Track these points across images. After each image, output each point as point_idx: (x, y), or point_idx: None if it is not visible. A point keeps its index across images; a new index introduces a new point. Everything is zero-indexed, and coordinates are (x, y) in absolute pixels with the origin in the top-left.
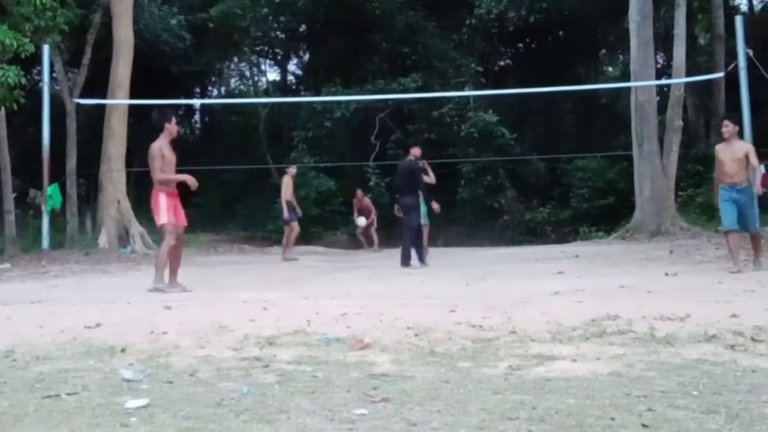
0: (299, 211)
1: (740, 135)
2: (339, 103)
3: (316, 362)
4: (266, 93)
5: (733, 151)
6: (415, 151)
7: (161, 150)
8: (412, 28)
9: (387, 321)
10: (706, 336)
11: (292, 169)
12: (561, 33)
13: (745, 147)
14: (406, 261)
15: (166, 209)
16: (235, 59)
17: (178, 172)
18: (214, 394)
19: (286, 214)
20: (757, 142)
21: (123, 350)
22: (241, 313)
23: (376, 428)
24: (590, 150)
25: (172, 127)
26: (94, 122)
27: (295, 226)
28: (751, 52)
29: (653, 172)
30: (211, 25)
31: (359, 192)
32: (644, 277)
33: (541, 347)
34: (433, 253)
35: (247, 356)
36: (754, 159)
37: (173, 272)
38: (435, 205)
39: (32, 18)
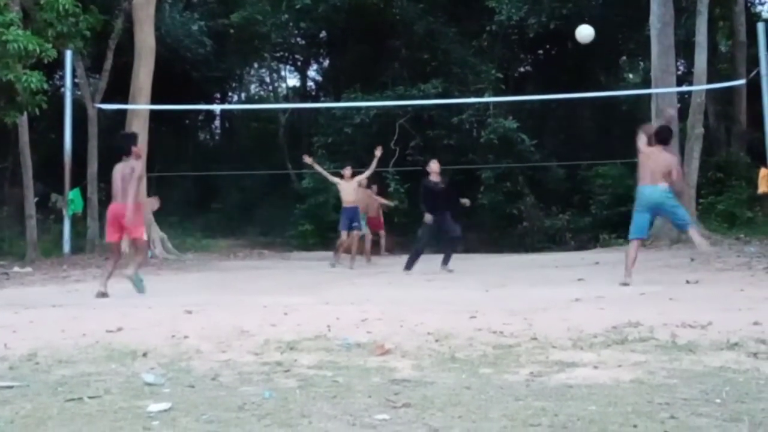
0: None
1: (761, 142)
2: (359, 109)
3: (336, 367)
4: (286, 99)
5: None
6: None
7: None
8: (432, 35)
9: (407, 327)
10: (729, 344)
11: (347, 171)
12: None
13: None
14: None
15: None
16: (256, 65)
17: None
18: (236, 398)
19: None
20: None
21: (145, 354)
22: (261, 317)
23: None
24: (610, 157)
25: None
26: (115, 127)
27: (344, 235)
28: None
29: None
30: (231, 31)
31: None
32: (665, 285)
33: (562, 354)
34: (453, 259)
35: (269, 361)
36: None
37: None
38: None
39: (55, 24)
